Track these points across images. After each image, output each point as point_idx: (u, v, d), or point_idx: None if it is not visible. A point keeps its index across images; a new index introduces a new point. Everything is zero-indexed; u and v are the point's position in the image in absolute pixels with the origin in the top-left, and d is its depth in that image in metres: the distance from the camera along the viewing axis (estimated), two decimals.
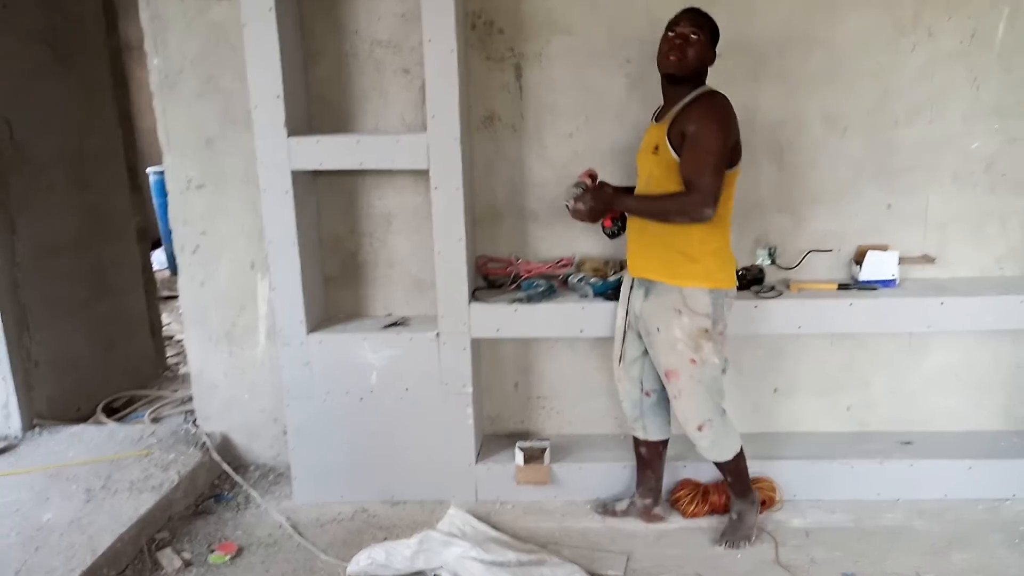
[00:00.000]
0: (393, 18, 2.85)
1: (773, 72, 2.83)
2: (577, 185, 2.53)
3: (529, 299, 2.83)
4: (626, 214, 2.57)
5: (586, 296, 2.85)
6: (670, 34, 2.41)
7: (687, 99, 2.42)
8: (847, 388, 3.09)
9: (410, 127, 2.91)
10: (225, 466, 3.13)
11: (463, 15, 2.78)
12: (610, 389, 3.10)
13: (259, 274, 3.09)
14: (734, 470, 2.64)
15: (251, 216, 3.00)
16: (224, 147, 3.00)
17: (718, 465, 2.64)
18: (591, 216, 2.49)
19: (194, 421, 3.33)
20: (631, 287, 2.62)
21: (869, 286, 2.86)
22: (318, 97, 2.93)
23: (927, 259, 2.95)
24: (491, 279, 3.01)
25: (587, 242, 3.02)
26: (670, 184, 2.42)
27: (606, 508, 2.87)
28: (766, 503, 2.80)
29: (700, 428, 2.54)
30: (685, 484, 2.88)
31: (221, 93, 2.95)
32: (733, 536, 2.66)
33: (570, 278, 2.93)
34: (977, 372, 3.05)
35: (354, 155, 2.76)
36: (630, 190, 2.62)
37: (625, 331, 2.66)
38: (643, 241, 2.54)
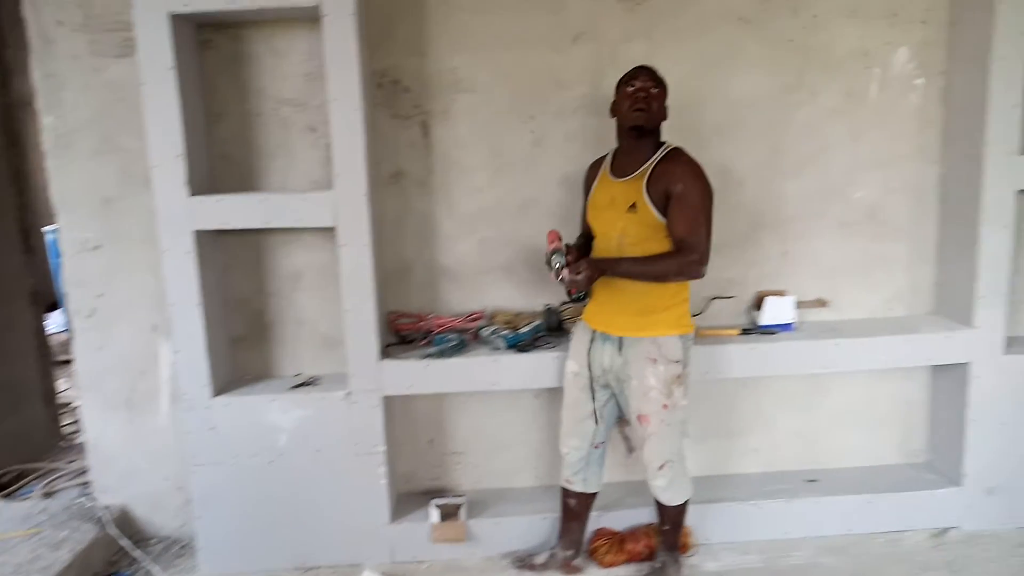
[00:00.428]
0: (298, 78, 2.85)
1: (673, 127, 2.92)
2: (556, 252, 2.45)
3: (441, 354, 2.82)
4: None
5: (498, 349, 2.86)
6: (629, 89, 2.45)
7: (658, 155, 2.46)
8: (753, 430, 3.18)
9: (317, 185, 2.89)
10: (123, 541, 2.96)
11: (368, 74, 2.80)
12: (526, 440, 3.10)
13: (161, 337, 2.98)
14: (675, 519, 2.67)
15: (152, 277, 2.89)
16: (123, 206, 2.91)
17: (664, 510, 2.65)
18: (588, 285, 2.44)
19: (90, 494, 3.14)
20: (591, 341, 2.60)
21: (769, 330, 2.97)
22: (222, 156, 2.89)
23: (821, 303, 3.10)
24: (403, 335, 2.99)
25: (498, 295, 3.04)
26: (649, 243, 2.44)
27: (523, 562, 2.84)
28: (682, 549, 2.82)
29: (661, 468, 2.56)
30: (602, 533, 2.88)
31: (119, 152, 2.87)
32: None
33: (482, 331, 2.94)
34: (874, 409, 3.19)
35: (259, 214, 2.72)
36: (583, 247, 2.64)
37: (593, 389, 2.63)
38: (616, 299, 2.53)
